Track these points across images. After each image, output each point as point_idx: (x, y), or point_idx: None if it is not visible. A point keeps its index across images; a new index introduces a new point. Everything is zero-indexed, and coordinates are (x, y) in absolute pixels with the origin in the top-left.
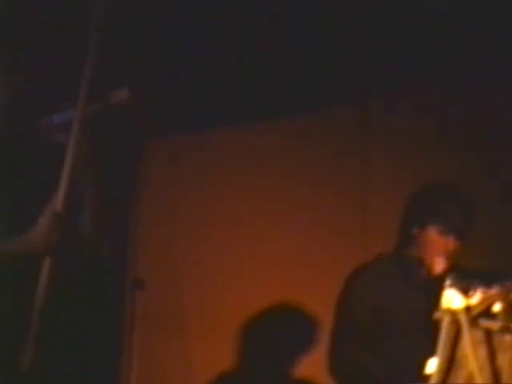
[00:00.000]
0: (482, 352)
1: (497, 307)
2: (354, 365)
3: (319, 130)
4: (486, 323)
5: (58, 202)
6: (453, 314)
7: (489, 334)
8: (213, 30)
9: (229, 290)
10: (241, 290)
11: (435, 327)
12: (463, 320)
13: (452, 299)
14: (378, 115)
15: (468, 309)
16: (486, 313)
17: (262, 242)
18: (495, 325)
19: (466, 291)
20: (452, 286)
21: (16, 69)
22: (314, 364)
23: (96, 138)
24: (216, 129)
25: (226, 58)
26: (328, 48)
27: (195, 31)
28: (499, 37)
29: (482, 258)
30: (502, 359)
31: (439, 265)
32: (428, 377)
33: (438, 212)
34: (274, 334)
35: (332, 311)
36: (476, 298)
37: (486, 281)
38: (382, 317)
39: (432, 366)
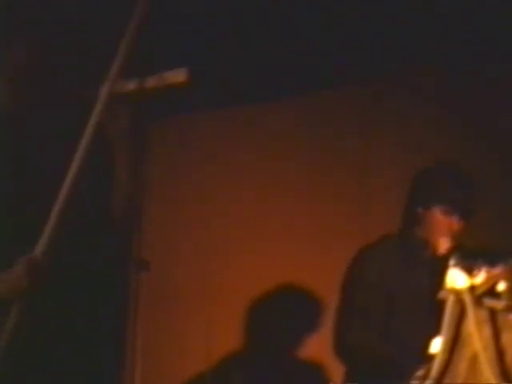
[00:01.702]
0: (487, 331)
1: (501, 286)
2: (360, 345)
3: (320, 115)
4: (490, 302)
5: (40, 244)
6: (457, 293)
7: (493, 314)
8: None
9: (229, 268)
10: (241, 268)
11: (440, 307)
12: (467, 299)
13: (456, 279)
14: (379, 99)
15: (472, 288)
16: (491, 292)
17: (263, 221)
18: (499, 304)
19: (470, 271)
20: (456, 265)
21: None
22: (314, 343)
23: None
24: (216, 111)
25: (228, 40)
26: (328, 31)
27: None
28: (499, 18)
29: (485, 237)
30: (507, 338)
31: (444, 245)
32: (432, 356)
33: (442, 192)
34: (275, 312)
35: (334, 290)
36: (480, 277)
37: (490, 260)
38: (387, 297)
39: (436, 345)
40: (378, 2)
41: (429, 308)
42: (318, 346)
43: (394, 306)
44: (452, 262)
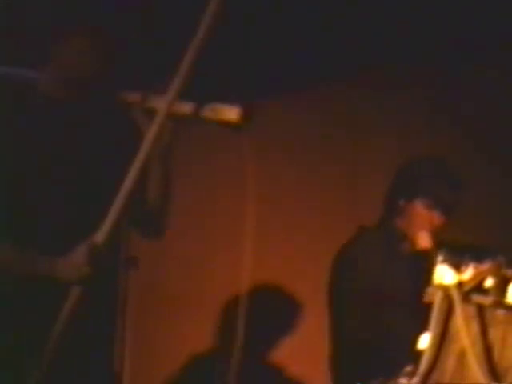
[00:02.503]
0: (474, 327)
1: (489, 282)
2: (352, 341)
3: (308, 103)
4: (478, 298)
5: (102, 231)
6: (445, 289)
7: (481, 310)
8: None
9: (216, 269)
10: (228, 267)
11: (418, 302)
12: (455, 295)
13: (444, 275)
14: (367, 89)
15: (460, 284)
16: (478, 288)
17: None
18: (487, 300)
19: (457, 267)
20: (444, 261)
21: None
22: (300, 343)
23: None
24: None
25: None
26: (316, 31)
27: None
28: (491, 11)
29: (467, 233)
30: (494, 334)
31: (423, 239)
32: (420, 352)
33: (426, 186)
34: (261, 311)
35: (323, 287)
36: (468, 273)
37: (478, 256)
38: (370, 292)
39: (424, 341)
40: (365, 1)
41: (408, 303)
42: (299, 345)
43: (376, 301)
44: (440, 257)
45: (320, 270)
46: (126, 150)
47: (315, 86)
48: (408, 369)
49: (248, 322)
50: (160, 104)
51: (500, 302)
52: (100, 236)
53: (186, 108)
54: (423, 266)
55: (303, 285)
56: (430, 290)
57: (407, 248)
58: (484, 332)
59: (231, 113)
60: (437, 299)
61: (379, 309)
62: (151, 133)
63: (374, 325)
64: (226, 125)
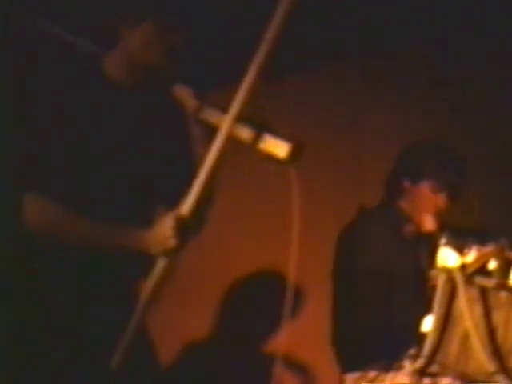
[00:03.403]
0: (478, 309)
1: (492, 265)
2: (356, 324)
3: (315, 85)
4: (481, 281)
5: (187, 204)
6: (448, 272)
7: (484, 292)
8: None
9: (215, 254)
10: (228, 251)
11: (422, 284)
12: (458, 278)
13: (447, 257)
14: (376, 72)
15: (463, 267)
16: (481, 270)
17: (251, 196)
18: (490, 282)
19: (461, 249)
20: (447, 244)
21: None
22: (301, 329)
23: None
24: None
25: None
26: (315, 12)
27: None
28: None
29: (470, 215)
30: (497, 317)
31: (428, 222)
32: (424, 334)
33: (433, 168)
34: (262, 297)
35: (327, 271)
36: (471, 255)
37: (481, 239)
38: (373, 274)
39: (428, 323)
40: None
41: (412, 285)
42: (300, 331)
43: (381, 283)
44: (443, 240)
45: (323, 254)
46: (173, 146)
47: (318, 65)
48: (412, 351)
49: (248, 309)
50: (215, 119)
51: (503, 285)
52: (185, 208)
53: (244, 134)
54: (427, 249)
55: (307, 269)
56: (433, 272)
57: (411, 230)
58: (487, 314)
59: (281, 149)
60: (440, 281)
61: (382, 291)
62: (211, 154)
63: (378, 307)
64: (274, 159)
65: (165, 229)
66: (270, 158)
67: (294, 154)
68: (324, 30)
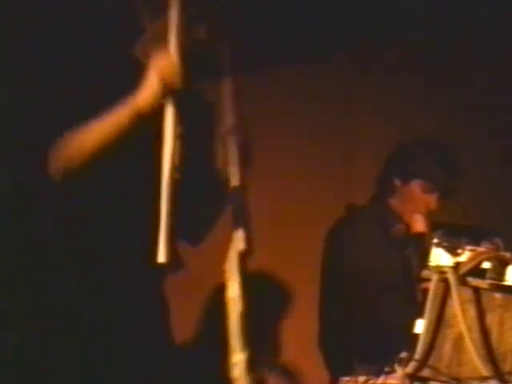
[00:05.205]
0: (471, 311)
1: (486, 265)
2: (343, 326)
3: (306, 83)
4: (474, 281)
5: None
6: (441, 272)
7: (478, 293)
8: None
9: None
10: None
11: (412, 285)
12: (452, 278)
13: (440, 257)
14: (365, 68)
15: (457, 267)
16: (475, 271)
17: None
18: (484, 283)
19: (454, 249)
20: (440, 243)
21: None
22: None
23: None
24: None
25: None
26: (314, 4)
27: None
28: None
29: (463, 214)
30: (492, 318)
31: (418, 222)
32: (416, 337)
33: (424, 168)
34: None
35: (316, 270)
36: (465, 255)
37: (475, 238)
38: (362, 274)
39: (420, 325)
40: None
41: (402, 286)
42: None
43: (369, 284)
44: (435, 240)
45: (312, 253)
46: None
47: (313, 60)
48: (403, 355)
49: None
50: None
51: (497, 286)
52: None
53: None
54: (417, 249)
55: (296, 268)
56: (425, 273)
57: (401, 230)
58: (481, 316)
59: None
60: (433, 282)
61: (371, 292)
62: None
63: (366, 309)
64: None
65: (149, 79)
66: None
67: None
68: (323, 27)
